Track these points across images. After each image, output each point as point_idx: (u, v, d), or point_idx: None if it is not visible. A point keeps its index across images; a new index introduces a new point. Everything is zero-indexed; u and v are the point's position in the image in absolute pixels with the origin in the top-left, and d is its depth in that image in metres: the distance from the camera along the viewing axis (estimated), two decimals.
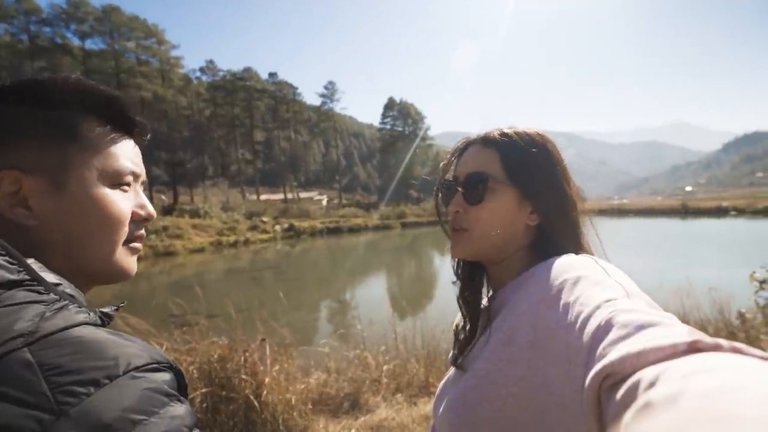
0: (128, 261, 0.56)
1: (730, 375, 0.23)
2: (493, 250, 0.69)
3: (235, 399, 2.88)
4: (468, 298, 0.75)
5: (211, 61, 55.48)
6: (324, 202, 55.65)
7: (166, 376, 0.43)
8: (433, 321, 4.63)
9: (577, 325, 0.45)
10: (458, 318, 0.77)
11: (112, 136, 0.54)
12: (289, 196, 55.19)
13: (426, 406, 3.41)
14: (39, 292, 0.42)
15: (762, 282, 6.03)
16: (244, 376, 2.95)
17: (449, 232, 0.73)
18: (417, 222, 39.48)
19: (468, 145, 0.74)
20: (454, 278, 0.78)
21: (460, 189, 0.71)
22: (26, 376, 0.36)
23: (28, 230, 0.49)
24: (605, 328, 0.39)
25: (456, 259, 0.77)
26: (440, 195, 0.77)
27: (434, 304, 8.43)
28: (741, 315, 4.49)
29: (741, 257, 10.59)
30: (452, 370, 0.73)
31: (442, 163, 0.78)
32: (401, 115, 65.60)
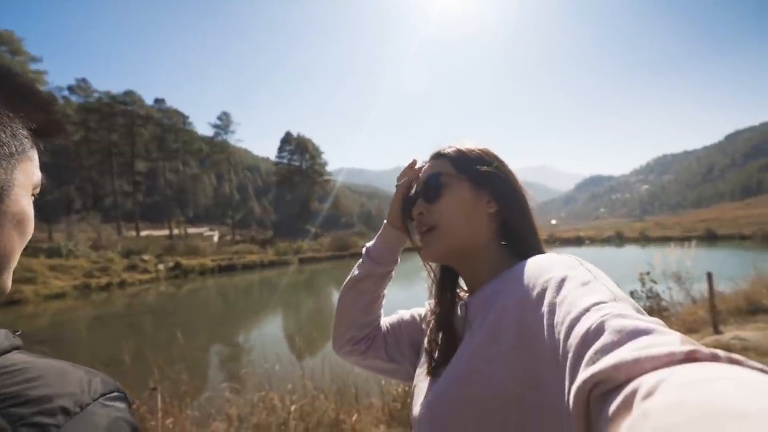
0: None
1: (730, 385, 0.23)
2: (462, 244, 0.72)
3: None
4: (441, 310, 0.77)
5: (83, 80, 49.53)
6: (215, 238, 51.73)
7: (124, 404, 0.40)
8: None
9: (565, 327, 0.43)
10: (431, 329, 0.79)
11: (34, 139, 0.46)
12: (176, 231, 50.16)
13: None
14: None
15: None
16: None
17: (418, 240, 0.78)
18: (315, 257, 39.07)
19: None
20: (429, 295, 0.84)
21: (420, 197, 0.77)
22: None
23: None
24: (596, 332, 0.38)
25: (431, 275, 0.82)
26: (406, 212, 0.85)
27: None
28: None
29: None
30: (424, 375, 0.73)
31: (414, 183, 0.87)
32: (298, 150, 65.55)
